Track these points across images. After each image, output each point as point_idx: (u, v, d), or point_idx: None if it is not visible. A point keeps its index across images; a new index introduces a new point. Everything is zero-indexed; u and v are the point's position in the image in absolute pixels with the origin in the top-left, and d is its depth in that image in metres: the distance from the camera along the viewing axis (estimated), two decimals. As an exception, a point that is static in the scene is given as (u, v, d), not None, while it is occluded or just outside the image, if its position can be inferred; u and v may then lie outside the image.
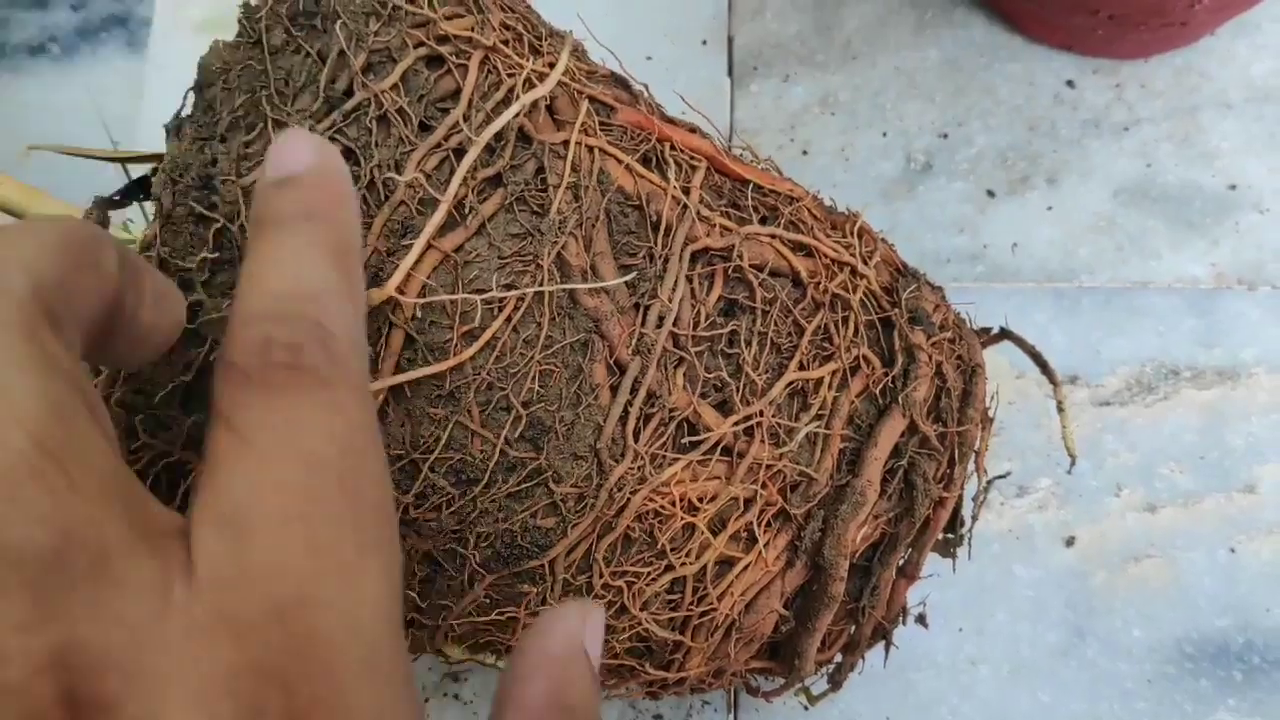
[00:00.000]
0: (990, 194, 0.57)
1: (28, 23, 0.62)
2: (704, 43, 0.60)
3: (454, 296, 0.31)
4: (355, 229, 0.25)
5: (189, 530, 0.21)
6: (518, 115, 0.32)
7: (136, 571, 0.20)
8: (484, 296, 0.31)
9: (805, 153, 0.58)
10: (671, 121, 0.38)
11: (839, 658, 0.42)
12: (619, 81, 0.39)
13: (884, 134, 0.58)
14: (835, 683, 0.43)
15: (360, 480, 0.21)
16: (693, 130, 0.38)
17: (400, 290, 0.30)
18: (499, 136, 0.32)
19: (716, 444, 0.35)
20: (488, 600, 0.35)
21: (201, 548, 0.20)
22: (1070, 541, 0.52)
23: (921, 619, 0.44)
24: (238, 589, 0.20)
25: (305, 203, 0.24)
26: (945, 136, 0.58)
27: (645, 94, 0.39)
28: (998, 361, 0.51)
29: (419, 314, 0.31)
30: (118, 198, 0.34)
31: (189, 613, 0.20)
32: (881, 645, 0.42)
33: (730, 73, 0.60)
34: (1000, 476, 0.42)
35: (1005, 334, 0.44)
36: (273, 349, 0.21)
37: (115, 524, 0.20)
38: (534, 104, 0.33)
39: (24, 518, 0.19)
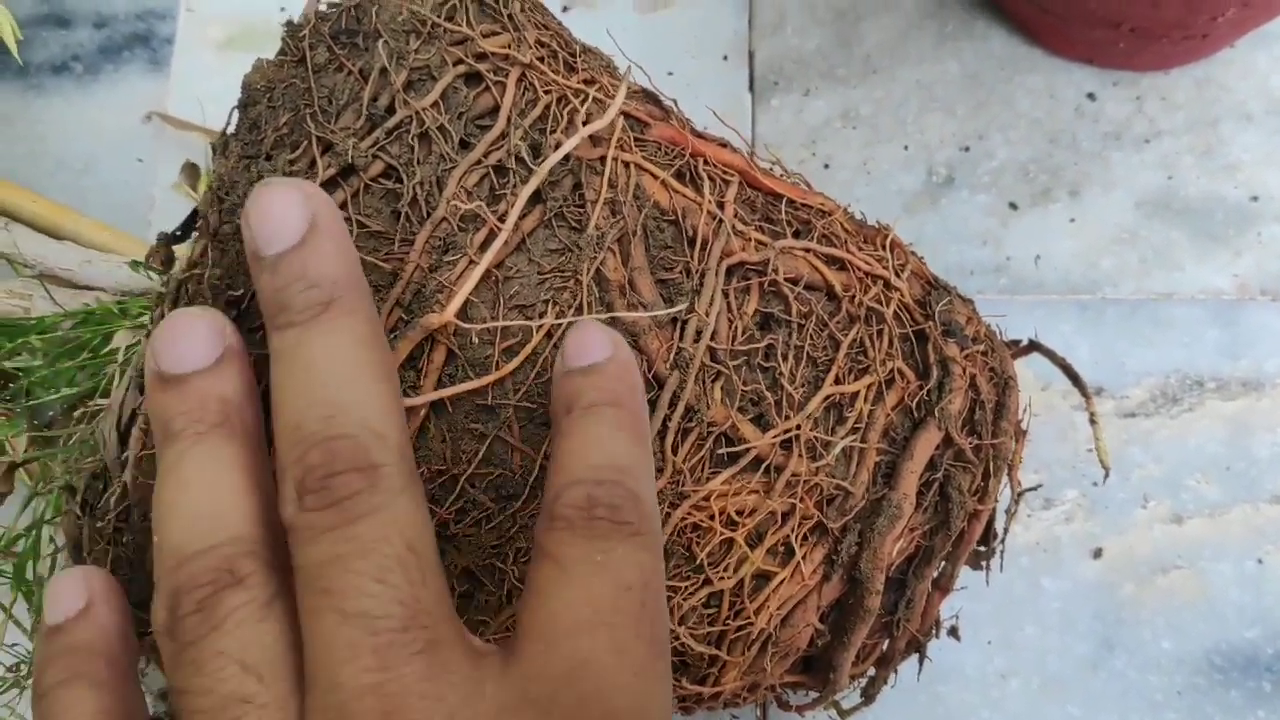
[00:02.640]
0: (1013, 206, 0.58)
1: (50, 41, 0.62)
2: (725, 58, 0.60)
3: (509, 324, 0.31)
4: (646, 414, 0.30)
5: (503, 650, 0.25)
6: (576, 147, 0.32)
7: (458, 665, 0.24)
8: (538, 325, 0.31)
9: (827, 167, 0.58)
10: (701, 136, 0.38)
11: (872, 671, 0.42)
12: (649, 97, 0.39)
13: (905, 147, 0.59)
14: (868, 696, 0.43)
15: (657, 605, 0.26)
16: (723, 145, 0.39)
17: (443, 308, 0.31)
18: (536, 152, 0.33)
19: (756, 458, 0.35)
20: (525, 615, 0.35)
21: (518, 652, 0.25)
22: (1098, 553, 0.52)
23: (954, 632, 0.44)
24: (547, 678, 0.24)
25: (609, 391, 0.29)
26: (967, 149, 0.58)
27: (675, 109, 0.39)
28: (1022, 373, 0.51)
29: (461, 329, 0.31)
30: (179, 232, 0.34)
31: (499, 699, 0.24)
32: (914, 658, 0.42)
33: (751, 87, 0.60)
34: (1031, 489, 0.42)
35: (1034, 346, 0.45)
36: (596, 506, 0.26)
37: (449, 624, 0.25)
38: (570, 120, 0.34)
39: (389, 597, 0.23)
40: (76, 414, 0.41)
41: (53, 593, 0.28)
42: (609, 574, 0.26)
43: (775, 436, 0.35)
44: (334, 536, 0.24)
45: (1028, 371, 0.54)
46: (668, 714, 0.26)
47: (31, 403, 0.41)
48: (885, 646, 0.40)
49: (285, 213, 0.26)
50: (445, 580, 0.26)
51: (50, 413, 0.42)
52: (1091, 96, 0.59)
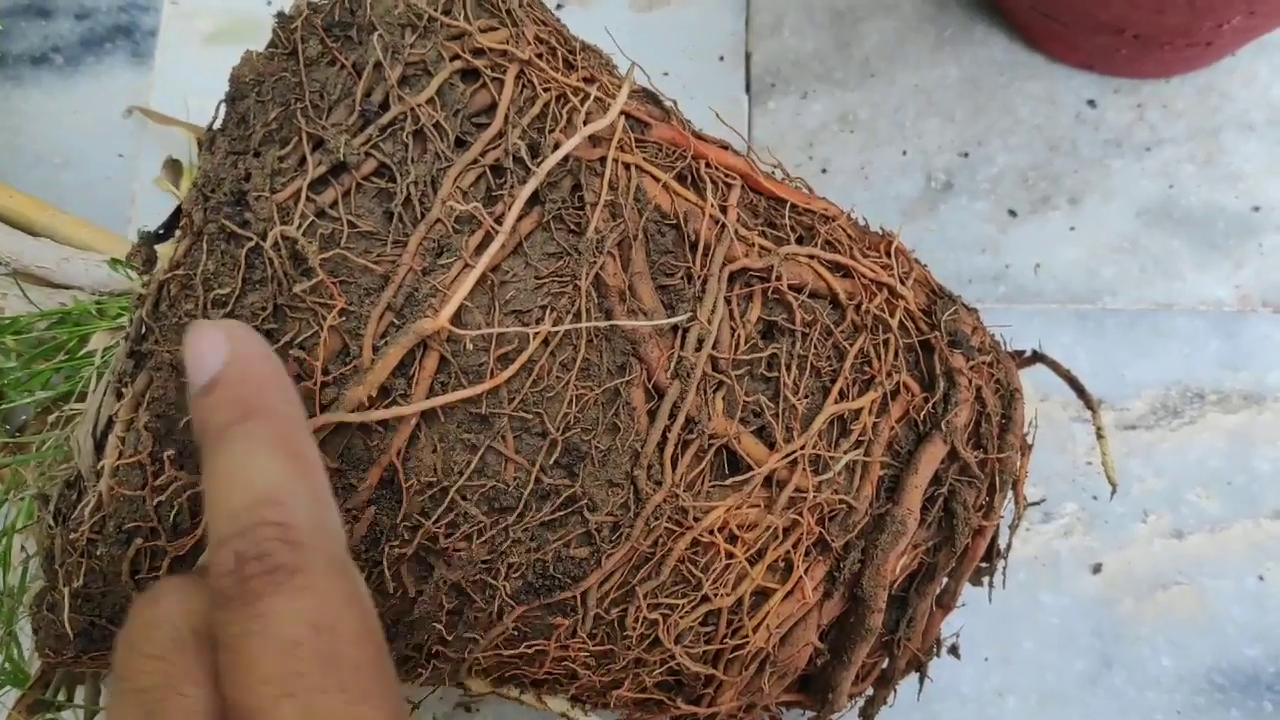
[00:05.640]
0: (1012, 214, 0.57)
1: (30, 32, 0.60)
2: (721, 59, 0.59)
3: (505, 330, 0.30)
4: (290, 404, 0.27)
5: None
6: (576, 148, 0.31)
7: None
8: (535, 331, 0.30)
9: (825, 171, 0.57)
10: (702, 138, 0.37)
11: (871, 691, 0.40)
12: (649, 96, 0.38)
13: (904, 152, 0.58)
14: (866, 716, 0.42)
15: (337, 646, 0.24)
16: (724, 147, 0.37)
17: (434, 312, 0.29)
18: (534, 152, 0.31)
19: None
20: (516, 633, 0.34)
21: None
22: (1097, 568, 0.51)
23: (954, 650, 0.43)
24: None
25: (234, 403, 0.26)
26: (966, 155, 0.58)
27: (675, 109, 0.38)
28: (1022, 383, 0.50)
29: (454, 335, 0.30)
30: (161, 231, 0.33)
31: None
32: (912, 677, 0.40)
33: (748, 89, 0.59)
34: (1035, 503, 0.41)
35: (1038, 357, 0.44)
36: (245, 564, 0.24)
37: None
38: (569, 119, 0.32)
39: None
40: (51, 418, 0.39)
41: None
42: (271, 640, 0.24)
43: (779, 460, 0.33)
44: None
45: (1026, 382, 0.52)
46: None
47: (4, 406, 0.40)
48: (885, 665, 0.39)
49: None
50: None
51: (24, 416, 0.41)
52: (1092, 103, 0.58)
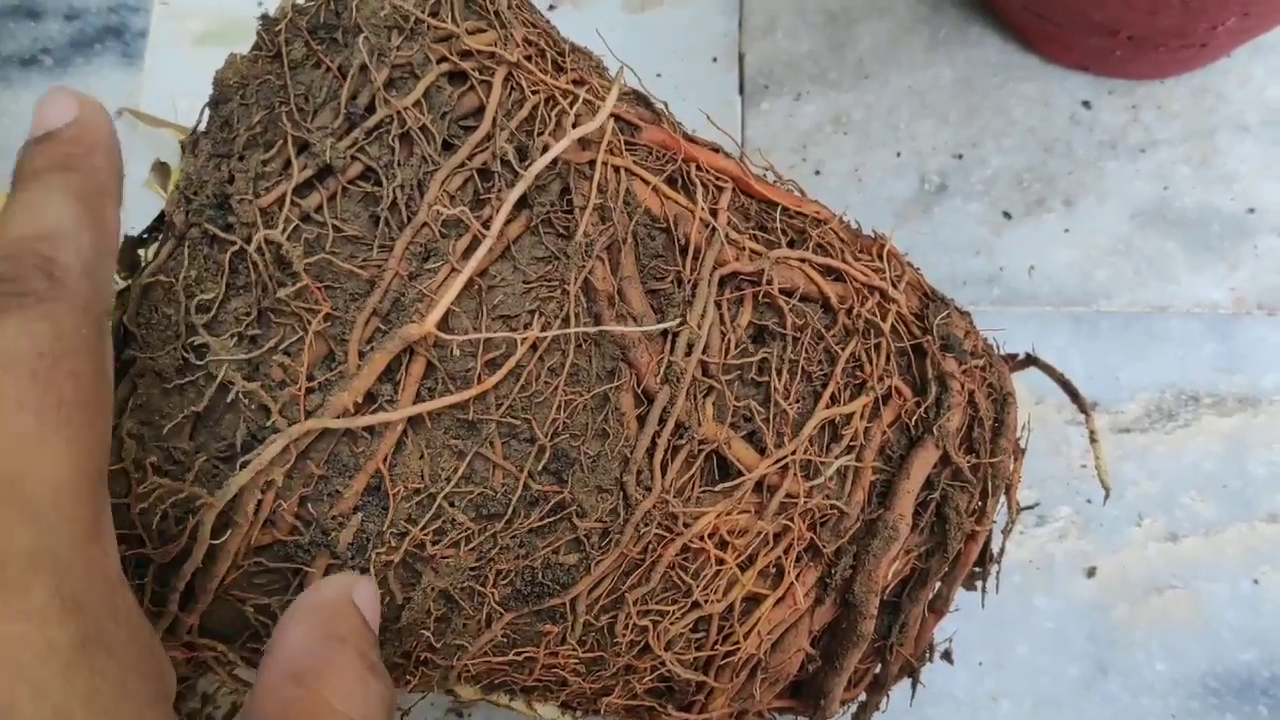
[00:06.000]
0: (1006, 215, 0.56)
1: (19, 33, 0.60)
2: (715, 60, 0.59)
3: (493, 335, 0.30)
4: (109, 174, 0.28)
5: None
6: (565, 151, 0.31)
7: None
8: (522, 337, 0.30)
9: (818, 173, 0.57)
10: (693, 140, 0.37)
11: (863, 696, 0.40)
12: (640, 99, 0.37)
13: (898, 154, 0.57)
14: (859, 721, 0.41)
15: (55, 374, 0.24)
16: (715, 150, 0.37)
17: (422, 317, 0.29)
18: (522, 155, 0.31)
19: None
20: (505, 640, 0.34)
21: None
22: (1091, 572, 0.51)
23: (948, 655, 0.43)
24: None
25: (60, 156, 0.27)
26: (960, 157, 0.57)
27: (666, 111, 0.37)
28: (1016, 387, 0.50)
29: (441, 341, 0.30)
30: (145, 235, 0.32)
31: None
32: (905, 682, 0.40)
33: (741, 91, 0.59)
34: (1029, 507, 0.41)
35: (1032, 360, 0.43)
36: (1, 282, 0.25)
37: None
38: (558, 122, 0.32)
39: None
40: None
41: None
42: None
43: (770, 465, 0.33)
44: None
45: (1021, 385, 0.53)
46: (74, 489, 0.24)
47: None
48: (878, 671, 0.39)
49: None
50: None
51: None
52: (1087, 105, 0.58)
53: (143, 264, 0.30)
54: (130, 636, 0.24)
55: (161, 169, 0.43)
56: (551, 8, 0.60)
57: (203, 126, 0.30)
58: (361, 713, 0.26)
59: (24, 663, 0.22)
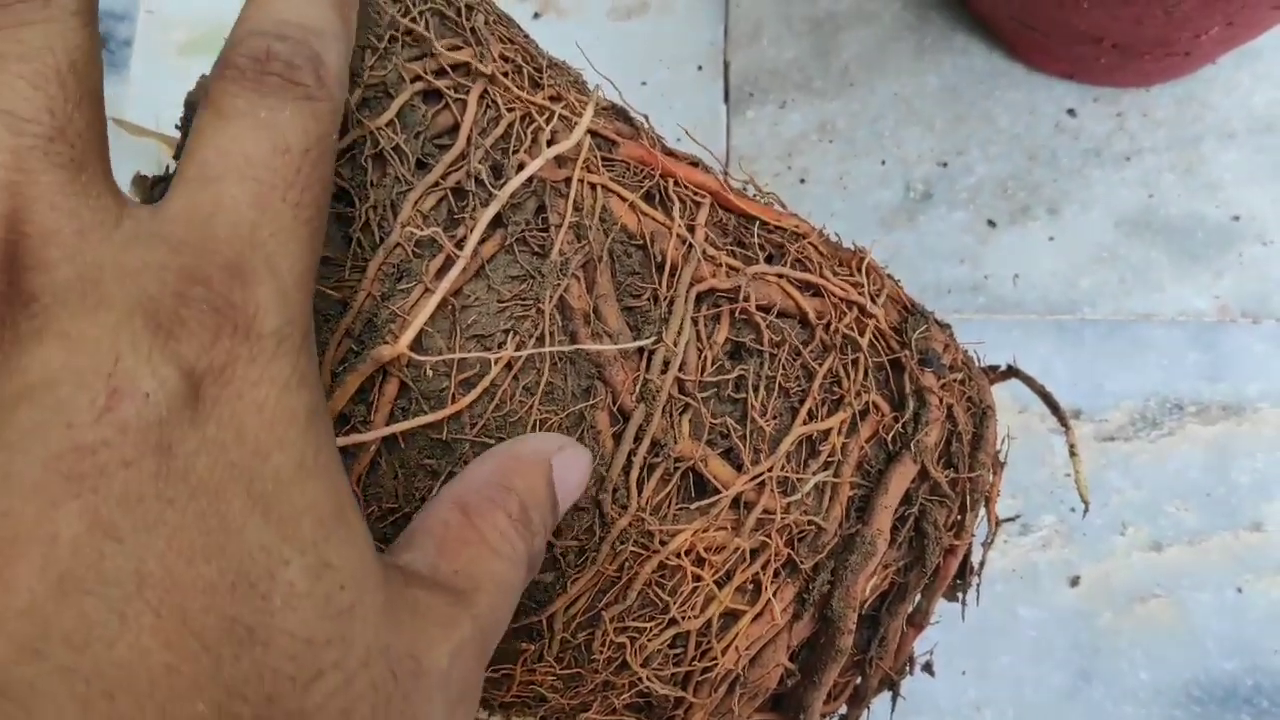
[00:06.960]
0: (991, 224, 0.56)
1: (4, 42, 0.60)
2: (699, 68, 0.59)
3: (467, 355, 0.30)
4: None
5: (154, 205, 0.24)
6: (540, 169, 0.31)
7: (101, 194, 0.23)
8: (497, 356, 0.30)
9: (803, 181, 0.57)
10: (673, 154, 0.37)
11: (844, 710, 0.40)
12: (619, 113, 0.37)
13: (883, 162, 0.57)
14: (840, 734, 0.41)
15: (315, 172, 0.25)
16: (695, 164, 0.37)
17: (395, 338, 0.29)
18: (497, 174, 0.31)
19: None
20: (483, 656, 0.34)
21: (165, 199, 0.24)
22: (1075, 581, 0.51)
23: (928, 667, 0.43)
24: (184, 220, 0.23)
25: None
26: (945, 165, 0.57)
27: (646, 125, 0.37)
28: (999, 395, 0.50)
29: (414, 361, 0.30)
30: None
31: (135, 231, 0.23)
32: (886, 694, 0.40)
33: (726, 99, 0.59)
34: (1009, 519, 0.41)
35: (1013, 372, 0.43)
36: (272, 60, 0.25)
37: (100, 161, 0.24)
38: (534, 140, 0.32)
39: (40, 104, 0.23)
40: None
41: None
42: (270, 132, 0.24)
43: (747, 482, 0.33)
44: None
45: (1004, 393, 0.53)
46: (306, 291, 0.25)
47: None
48: (858, 684, 0.39)
49: None
50: (105, 126, 0.25)
51: None
52: (1072, 112, 0.58)
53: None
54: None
55: (142, 182, 0.43)
56: (536, 16, 0.60)
57: (178, 148, 0.30)
58: (509, 556, 0.28)
59: (276, 419, 0.23)
